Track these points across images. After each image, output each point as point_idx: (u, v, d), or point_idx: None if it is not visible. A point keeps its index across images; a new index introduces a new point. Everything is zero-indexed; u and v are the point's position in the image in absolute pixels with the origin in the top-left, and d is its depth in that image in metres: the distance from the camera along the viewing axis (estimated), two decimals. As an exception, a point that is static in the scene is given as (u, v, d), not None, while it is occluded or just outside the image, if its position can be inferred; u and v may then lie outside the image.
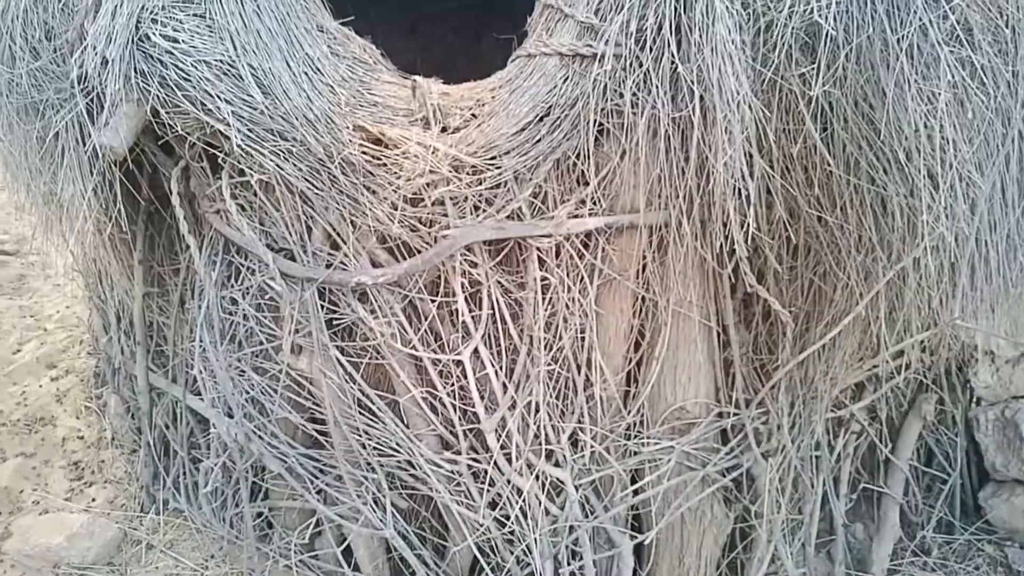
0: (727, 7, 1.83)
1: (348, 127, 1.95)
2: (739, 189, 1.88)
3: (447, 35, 5.39)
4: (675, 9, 1.88)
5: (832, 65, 1.84)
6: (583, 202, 2.09)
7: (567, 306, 2.13)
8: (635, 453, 2.22)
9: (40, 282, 4.92)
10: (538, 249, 2.06)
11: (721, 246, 2.03)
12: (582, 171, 2.06)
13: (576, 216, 2.08)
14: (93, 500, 2.87)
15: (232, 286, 2.28)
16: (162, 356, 2.85)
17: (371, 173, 1.96)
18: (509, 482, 2.15)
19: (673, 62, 1.89)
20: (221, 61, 2.01)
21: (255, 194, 2.11)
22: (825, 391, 2.27)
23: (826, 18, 1.81)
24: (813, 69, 1.86)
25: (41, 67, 2.17)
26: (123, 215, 2.29)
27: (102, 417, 3.34)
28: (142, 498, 2.85)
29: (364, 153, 1.96)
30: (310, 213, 2.08)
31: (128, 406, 3.12)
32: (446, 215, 2.02)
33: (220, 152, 2.07)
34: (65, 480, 3.00)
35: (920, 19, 1.82)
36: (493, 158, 1.98)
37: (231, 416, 2.29)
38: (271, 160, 1.97)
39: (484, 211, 2.01)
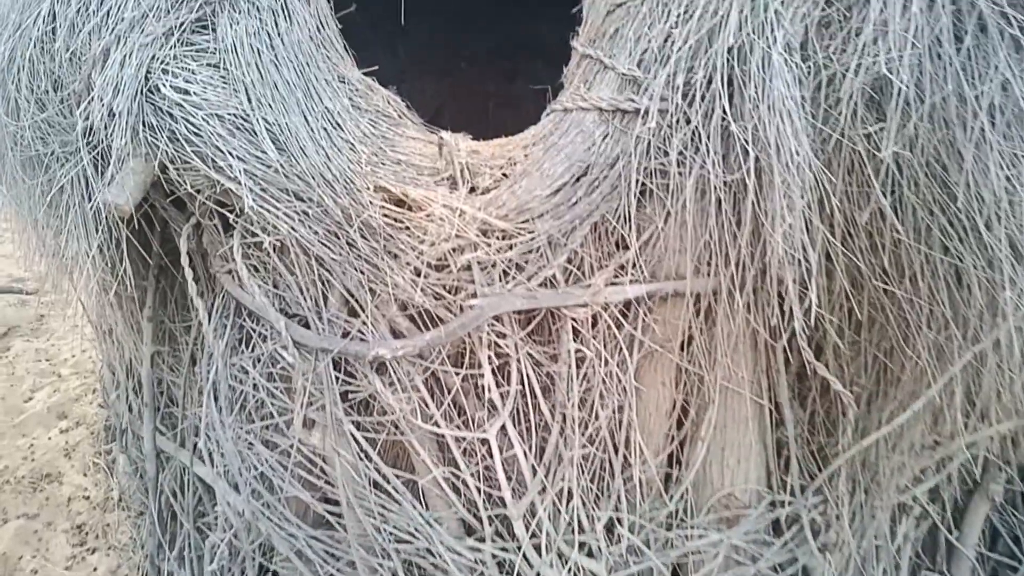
0: (785, 59, 1.66)
1: (369, 187, 1.79)
2: (798, 259, 1.68)
3: (479, 77, 5.28)
4: (727, 61, 1.71)
5: (902, 123, 1.65)
6: (622, 268, 1.91)
7: (604, 381, 1.94)
8: (678, 545, 2.01)
9: (58, 322, 4.83)
10: (573, 319, 1.88)
11: (776, 317, 1.84)
12: (622, 235, 1.88)
13: (615, 283, 1.90)
14: (95, 569, 2.70)
15: (243, 352, 2.12)
16: (171, 417, 2.69)
17: (392, 237, 1.79)
18: (538, 574, 1.94)
19: (725, 119, 1.71)
20: (234, 115, 1.87)
21: (269, 255, 1.95)
22: (890, 480, 2.04)
23: (896, 72, 1.63)
24: (881, 128, 1.68)
25: (47, 119, 2.04)
26: (129, 274, 2.15)
27: (110, 475, 3.19)
28: (146, 568, 2.68)
29: (385, 215, 1.80)
30: (326, 278, 1.91)
31: (136, 466, 2.96)
32: (473, 282, 1.84)
33: (232, 211, 1.91)
34: (67, 545, 2.84)
35: (1002, 73, 1.63)
36: (525, 222, 1.81)
37: (239, 490, 2.12)
38: (285, 222, 1.81)
39: (514, 278, 1.84)
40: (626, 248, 1.89)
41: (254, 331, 2.09)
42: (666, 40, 1.81)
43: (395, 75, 4.76)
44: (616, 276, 1.90)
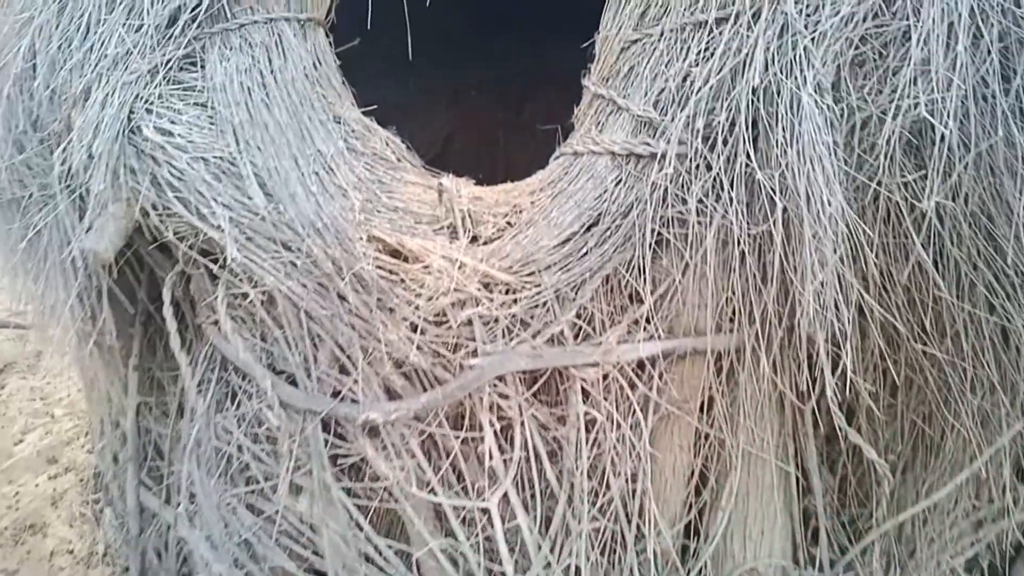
0: (816, 101, 1.52)
1: (362, 237, 1.65)
2: (830, 320, 1.53)
3: (489, 105, 5.16)
4: (752, 103, 1.57)
5: (945, 171, 1.51)
6: (636, 323, 1.76)
7: (616, 446, 1.78)
8: (697, 626, 1.83)
9: (55, 359, 4.70)
10: (582, 380, 1.73)
11: (805, 378, 1.68)
12: (636, 288, 1.73)
13: (628, 340, 1.75)
14: (73, 632, 2.54)
15: (228, 409, 1.97)
16: (157, 471, 2.54)
17: (387, 291, 1.65)
18: (544, 658, 1.77)
19: (749, 166, 1.57)
20: (221, 158, 1.75)
21: (255, 307, 1.81)
22: (929, 555, 1.86)
23: (938, 115, 1.48)
24: (921, 176, 1.53)
25: (26, 161, 1.92)
26: (111, 324, 2.02)
27: (97, 527, 3.03)
28: (127, 631, 2.51)
29: (380, 267, 1.66)
30: (317, 332, 1.77)
31: (121, 521, 2.80)
32: (474, 339, 1.70)
33: (216, 261, 1.78)
34: (46, 605, 2.68)
35: (1054, 117, 1.49)
36: (531, 274, 1.67)
37: (221, 558, 1.96)
38: (271, 274, 1.68)
39: (519, 335, 1.69)
40: (640, 302, 1.74)
41: (240, 387, 1.95)
42: (685, 79, 1.68)
43: (404, 104, 4.67)
44: (629, 332, 1.75)
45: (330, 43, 2.14)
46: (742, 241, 1.60)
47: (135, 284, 2.16)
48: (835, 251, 1.51)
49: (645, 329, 1.74)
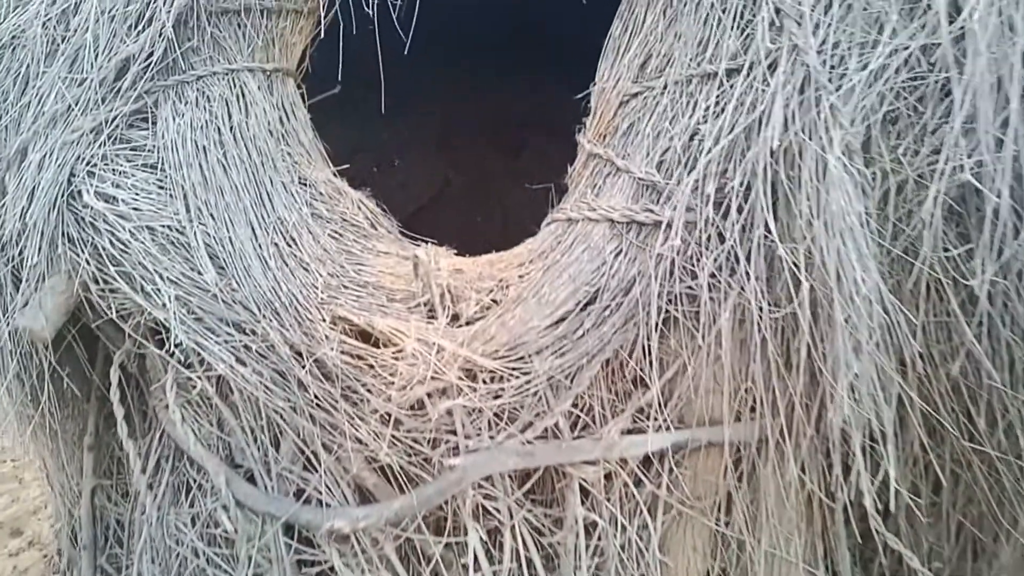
0: (844, 164, 1.32)
1: (325, 318, 1.44)
2: (867, 419, 1.32)
3: (482, 148, 4.98)
4: (770, 165, 1.37)
5: (995, 244, 1.30)
6: (642, 412, 1.54)
7: (621, 552, 1.55)
8: None
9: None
10: (581, 478, 1.50)
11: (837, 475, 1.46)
12: (640, 373, 1.52)
13: (633, 431, 1.53)
14: None
15: (182, 505, 1.75)
16: (117, 560, 2.31)
17: (354, 379, 1.44)
18: None
19: (769, 237, 1.36)
20: (169, 227, 1.55)
21: (209, 394, 1.60)
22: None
23: (986, 180, 1.28)
24: (967, 249, 1.33)
25: (-43, 227, 1.72)
26: (53, 406, 1.81)
27: (55, 612, 2.79)
28: None
29: (345, 353, 1.45)
30: (277, 423, 1.55)
31: (79, 609, 2.56)
32: (455, 433, 1.48)
33: (163, 344, 1.58)
34: None
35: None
36: (520, 360, 1.46)
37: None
38: (223, 360, 1.47)
39: (506, 429, 1.47)
40: (646, 388, 1.53)
41: (194, 481, 1.73)
42: (692, 138, 1.48)
43: (396, 149, 4.48)
44: (634, 423, 1.53)
45: (302, 94, 1.96)
46: (762, 323, 1.39)
47: (85, 361, 1.95)
48: (871, 337, 1.30)
49: (652, 419, 1.52)
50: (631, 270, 1.47)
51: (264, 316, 1.45)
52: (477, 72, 3.96)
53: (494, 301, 1.50)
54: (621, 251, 1.48)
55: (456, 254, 1.61)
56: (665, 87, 1.53)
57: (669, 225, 1.43)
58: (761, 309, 1.37)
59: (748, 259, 1.39)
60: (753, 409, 1.51)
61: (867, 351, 1.30)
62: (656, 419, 1.53)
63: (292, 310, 1.45)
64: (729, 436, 1.52)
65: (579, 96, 1.72)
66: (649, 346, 1.49)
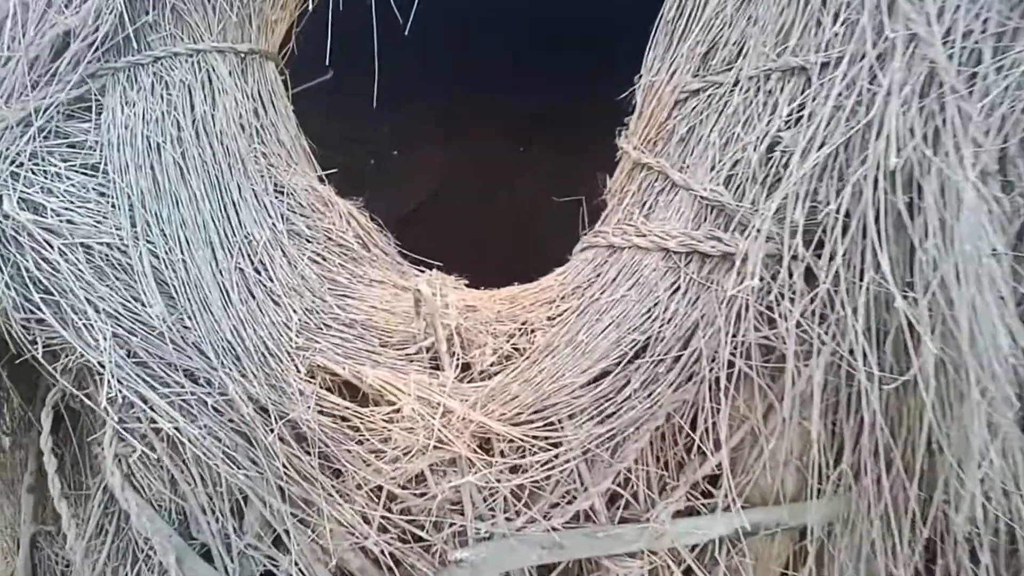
0: (979, 190, 1.00)
1: (301, 368, 1.13)
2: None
3: (486, 147, 4.63)
4: (878, 183, 1.06)
5: None
6: (697, 487, 1.23)
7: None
8: None
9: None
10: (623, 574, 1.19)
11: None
12: (697, 440, 1.21)
13: (687, 512, 1.22)
14: None
15: (126, 577, 1.44)
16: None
17: (336, 446, 1.12)
18: None
19: (876, 280, 1.05)
20: (109, 245, 1.23)
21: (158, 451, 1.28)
22: None
23: None
24: None
25: None
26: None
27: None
28: None
29: (325, 412, 1.14)
30: (240, 488, 1.24)
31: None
32: (463, 515, 1.16)
33: (95, 394, 1.26)
34: None
35: None
36: (548, 426, 1.14)
37: None
38: (168, 417, 1.15)
39: (528, 512, 1.16)
40: (704, 458, 1.21)
41: (140, 551, 1.41)
42: (772, 148, 1.17)
43: (395, 142, 4.13)
44: (688, 501, 1.22)
45: (285, 81, 1.64)
46: (863, 388, 1.08)
47: (16, 395, 1.63)
48: (1014, 417, 0.99)
49: (711, 498, 1.22)
50: (691, 314, 1.15)
51: (223, 363, 1.14)
52: (487, 58, 3.63)
53: (516, 349, 1.18)
54: (679, 289, 1.17)
55: (467, 285, 1.29)
56: (736, 83, 1.22)
57: (744, 259, 1.12)
58: (870, 377, 1.06)
59: (847, 306, 1.08)
60: (838, 486, 1.20)
61: (1008, 433, 0.99)
62: (715, 497, 1.22)
63: (259, 356, 1.14)
64: (803, 518, 1.22)
65: (620, 96, 1.40)
66: (711, 409, 1.18)
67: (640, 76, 1.40)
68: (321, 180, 1.45)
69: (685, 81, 1.28)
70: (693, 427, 1.21)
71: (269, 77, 1.55)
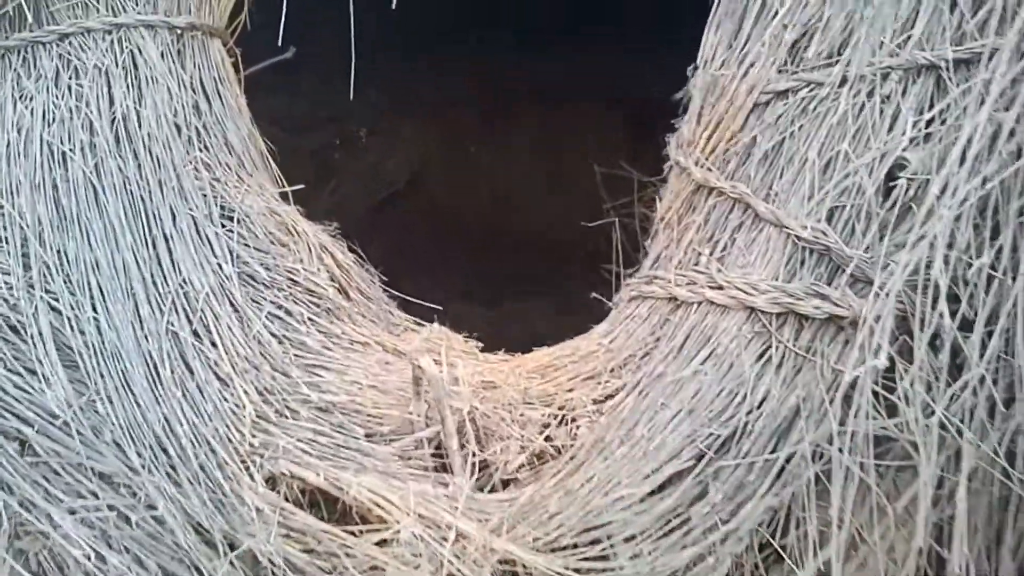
0: None
1: (256, 475, 0.81)
2: None
3: (468, 123, 4.26)
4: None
5: None
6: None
7: None
8: None
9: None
10: None
11: None
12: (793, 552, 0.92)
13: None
14: None
15: None
16: None
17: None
18: None
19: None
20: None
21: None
22: None
23: None
24: None
25: None
26: None
27: None
28: None
29: (292, 536, 0.82)
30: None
31: None
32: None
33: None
34: None
35: None
36: (599, 554, 0.85)
37: None
38: (76, 539, 0.83)
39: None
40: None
41: None
42: (895, 173, 0.87)
43: (369, 121, 3.75)
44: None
45: (235, 63, 1.30)
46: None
47: None
48: None
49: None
50: (788, 396, 0.86)
51: (150, 467, 0.82)
52: (469, 30, 3.30)
53: (554, 447, 0.87)
54: (770, 360, 0.87)
55: (482, 348, 0.98)
56: (844, 83, 0.91)
57: (862, 323, 0.82)
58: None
59: (1009, 403, 0.79)
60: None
61: None
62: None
63: (199, 458, 0.82)
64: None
65: (677, 97, 1.09)
66: (804, 516, 0.89)
67: (696, 67, 1.09)
68: (285, 198, 1.11)
69: (766, 79, 0.97)
70: (775, 533, 0.93)
71: (215, 59, 1.21)
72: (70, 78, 1.05)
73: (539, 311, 2.80)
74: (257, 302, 0.94)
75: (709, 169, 0.99)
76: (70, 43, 1.08)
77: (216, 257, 0.95)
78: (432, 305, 1.09)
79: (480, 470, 0.87)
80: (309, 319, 0.95)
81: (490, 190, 3.80)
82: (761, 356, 0.88)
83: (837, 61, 0.93)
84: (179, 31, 1.16)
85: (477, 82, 3.63)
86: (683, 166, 1.03)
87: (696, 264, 0.95)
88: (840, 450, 0.85)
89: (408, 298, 1.14)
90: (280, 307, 0.94)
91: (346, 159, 3.65)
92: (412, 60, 3.44)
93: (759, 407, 0.86)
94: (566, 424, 0.88)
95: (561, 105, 3.46)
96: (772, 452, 0.85)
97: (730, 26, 1.05)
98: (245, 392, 0.84)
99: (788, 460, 0.85)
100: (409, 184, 3.76)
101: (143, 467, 0.84)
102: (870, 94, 0.91)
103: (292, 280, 0.97)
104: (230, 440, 0.83)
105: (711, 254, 0.94)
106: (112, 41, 1.09)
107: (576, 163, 3.23)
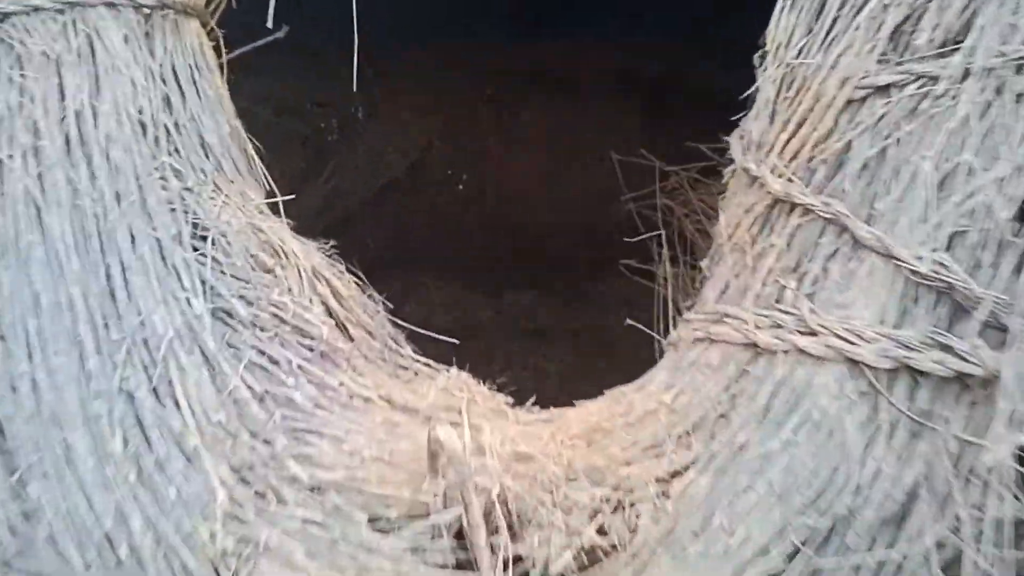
0: None
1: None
2: None
3: (474, 112, 4.06)
4: None
5: None
6: None
7: None
8: None
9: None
10: None
11: None
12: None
13: None
14: None
15: None
16: None
17: None
18: None
19: None
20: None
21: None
22: None
23: None
24: None
25: None
26: None
27: None
28: None
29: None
30: None
31: None
32: None
33: None
34: None
35: None
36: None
37: None
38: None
39: None
40: None
41: None
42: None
43: (369, 109, 3.58)
44: None
45: (217, 46, 1.11)
46: None
47: None
48: None
49: None
50: (905, 475, 0.68)
51: (94, 572, 0.64)
52: (474, 13, 3.14)
53: (612, 542, 0.69)
54: (879, 428, 0.69)
55: (512, 404, 0.79)
56: (967, 75, 0.73)
57: (994, 382, 0.64)
58: None
59: None
60: None
61: None
62: None
63: (156, 561, 0.64)
64: None
65: (744, 97, 0.90)
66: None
67: (765, 53, 0.91)
68: (276, 211, 0.93)
69: (861, 70, 0.79)
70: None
71: (191, 44, 1.03)
72: (11, 68, 0.87)
73: (543, 303, 2.66)
74: (234, 347, 0.75)
75: (790, 180, 0.81)
76: (12, 25, 0.89)
77: (184, 291, 0.77)
78: (449, 339, 0.91)
79: (513, 565, 0.68)
80: (299, 367, 0.76)
81: (494, 177, 3.63)
82: (868, 421, 0.70)
83: (956, 49, 0.75)
84: (147, 11, 0.97)
85: (481, 64, 3.46)
86: (754, 174, 0.85)
87: (780, 301, 0.76)
88: (971, 543, 0.68)
89: (416, 329, 0.96)
90: (263, 353, 0.76)
91: (342, 145, 3.48)
92: (412, 40, 3.27)
93: (869, 487, 0.68)
94: (622, 510, 0.70)
95: (566, 88, 3.30)
96: (885, 547, 0.67)
97: (810, 3, 0.86)
98: (219, 475, 0.66)
99: (905, 558, 0.67)
100: (408, 171, 3.58)
101: (91, 561, 0.66)
102: (999, 91, 0.73)
103: (278, 317, 0.79)
104: (196, 539, 0.65)
105: (794, 284, 0.76)
106: (64, 23, 0.91)
107: (582, 148, 3.07)
